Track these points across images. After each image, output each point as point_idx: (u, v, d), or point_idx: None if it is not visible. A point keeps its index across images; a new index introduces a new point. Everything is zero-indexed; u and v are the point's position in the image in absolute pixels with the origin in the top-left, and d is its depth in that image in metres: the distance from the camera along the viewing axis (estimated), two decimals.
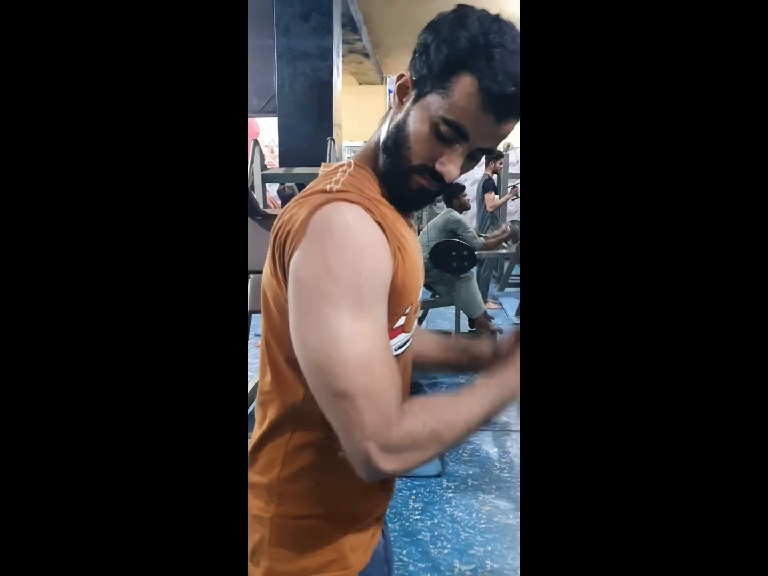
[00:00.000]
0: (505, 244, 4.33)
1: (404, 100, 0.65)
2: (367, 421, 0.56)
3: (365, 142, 0.73)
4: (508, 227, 4.26)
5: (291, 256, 0.60)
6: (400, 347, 0.69)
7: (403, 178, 0.65)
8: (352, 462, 0.59)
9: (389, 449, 0.57)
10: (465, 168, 0.65)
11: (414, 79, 0.64)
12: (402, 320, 0.66)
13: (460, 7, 0.62)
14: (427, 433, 0.60)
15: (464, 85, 0.59)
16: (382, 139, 0.67)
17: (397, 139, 0.65)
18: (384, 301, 0.61)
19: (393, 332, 0.65)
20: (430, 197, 0.68)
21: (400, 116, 0.65)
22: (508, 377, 0.67)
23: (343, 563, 0.71)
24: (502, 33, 0.59)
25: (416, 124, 0.63)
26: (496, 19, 0.61)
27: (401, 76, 0.65)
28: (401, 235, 0.65)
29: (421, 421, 0.60)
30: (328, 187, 0.62)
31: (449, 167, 0.63)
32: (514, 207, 6.01)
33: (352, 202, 0.60)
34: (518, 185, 5.26)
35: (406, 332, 0.68)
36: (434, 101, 0.61)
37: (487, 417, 0.64)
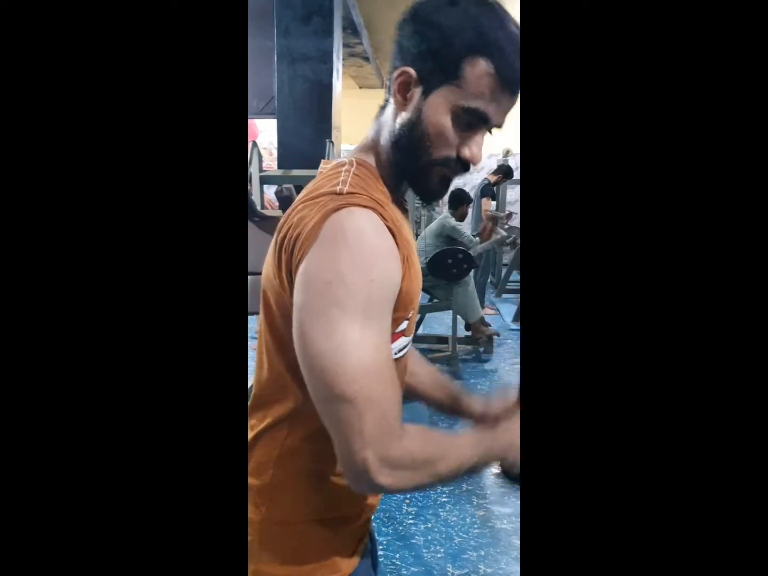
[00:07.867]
0: (501, 230, 4.48)
1: (408, 96, 0.64)
2: (370, 429, 0.55)
3: None
4: (489, 214, 4.57)
5: (301, 259, 0.58)
6: (400, 350, 0.68)
7: (424, 172, 0.66)
8: (345, 472, 0.58)
9: (387, 462, 0.56)
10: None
11: (417, 74, 0.63)
12: (404, 324, 0.66)
13: None
14: (423, 456, 0.60)
15: (479, 70, 0.60)
16: (390, 139, 0.66)
17: (412, 136, 0.64)
18: (390, 312, 0.60)
19: (395, 336, 0.64)
20: (449, 184, 0.69)
21: (409, 114, 0.64)
22: (503, 437, 0.68)
23: (332, 567, 0.70)
24: (492, 11, 0.61)
25: (434, 118, 0.62)
26: (483, 1, 0.62)
27: (401, 73, 0.64)
28: (408, 240, 0.65)
29: (420, 444, 0.60)
30: (337, 188, 0.61)
31: (475, 151, 0.64)
32: (515, 215, 6.01)
33: (365, 207, 0.59)
34: (504, 215, 5.44)
35: (406, 336, 0.68)
36: (449, 93, 0.61)
37: (475, 467, 0.64)
